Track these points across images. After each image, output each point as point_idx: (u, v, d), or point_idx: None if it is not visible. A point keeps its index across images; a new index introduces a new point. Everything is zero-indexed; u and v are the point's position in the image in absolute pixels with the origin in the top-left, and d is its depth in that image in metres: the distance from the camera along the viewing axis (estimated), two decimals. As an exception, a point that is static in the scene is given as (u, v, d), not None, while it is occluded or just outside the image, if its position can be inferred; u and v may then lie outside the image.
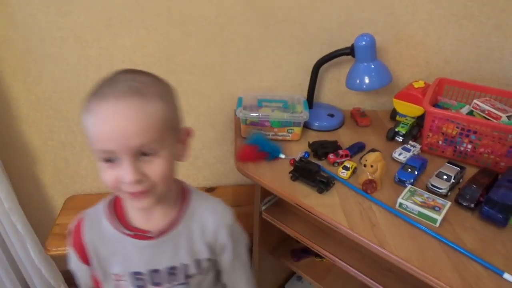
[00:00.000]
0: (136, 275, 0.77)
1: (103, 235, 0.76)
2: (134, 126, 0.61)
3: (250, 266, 0.90)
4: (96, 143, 0.63)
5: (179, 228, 0.77)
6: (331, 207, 0.94)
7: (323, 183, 0.99)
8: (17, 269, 1.54)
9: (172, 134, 0.69)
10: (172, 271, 0.78)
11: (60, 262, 1.71)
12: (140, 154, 0.64)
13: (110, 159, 0.64)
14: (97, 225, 0.77)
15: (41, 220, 1.59)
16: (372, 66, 1.20)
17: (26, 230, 1.45)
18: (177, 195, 0.78)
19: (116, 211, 0.77)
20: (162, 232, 0.75)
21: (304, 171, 1.02)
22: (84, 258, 0.78)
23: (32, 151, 1.47)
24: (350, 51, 1.21)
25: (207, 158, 1.57)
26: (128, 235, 0.75)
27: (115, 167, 0.64)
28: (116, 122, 0.61)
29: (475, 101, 1.19)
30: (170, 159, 0.68)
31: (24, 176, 1.52)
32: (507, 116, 1.12)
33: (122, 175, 0.63)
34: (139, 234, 0.75)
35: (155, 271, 0.77)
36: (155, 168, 0.65)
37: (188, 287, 0.81)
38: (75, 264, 0.81)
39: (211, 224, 0.78)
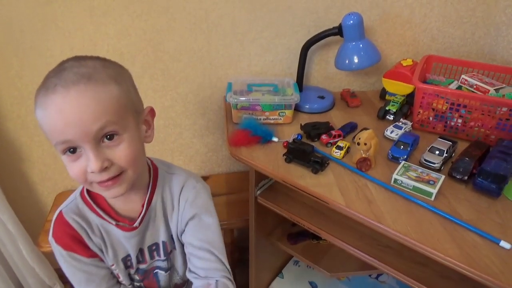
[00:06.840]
0: (125, 258, 0.82)
1: (93, 229, 0.77)
2: (88, 112, 0.60)
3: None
4: (53, 135, 0.61)
5: (156, 207, 0.79)
6: (327, 187, 0.94)
7: (318, 163, 0.98)
8: (9, 269, 1.51)
9: (134, 116, 0.67)
10: (153, 249, 0.82)
11: (54, 259, 1.68)
12: (102, 139, 0.62)
13: (71, 150, 0.62)
14: (83, 219, 0.76)
15: (32, 217, 1.55)
16: (361, 45, 1.20)
17: (17, 228, 1.42)
18: (149, 175, 0.79)
19: (97, 201, 0.77)
20: (143, 218, 0.77)
21: (298, 153, 1.01)
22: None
23: (18, 148, 1.43)
24: (338, 31, 1.20)
25: (199, 147, 1.56)
26: (116, 225, 0.77)
27: (78, 158, 0.63)
28: (69, 112, 0.59)
29: (463, 76, 1.20)
30: (135, 142, 0.66)
31: (12, 174, 1.48)
32: (495, 89, 1.13)
33: (87, 165, 0.62)
34: (125, 226, 0.77)
35: (140, 250, 0.82)
36: (120, 152, 0.64)
37: (168, 263, 0.85)
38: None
39: (176, 193, 0.80)
